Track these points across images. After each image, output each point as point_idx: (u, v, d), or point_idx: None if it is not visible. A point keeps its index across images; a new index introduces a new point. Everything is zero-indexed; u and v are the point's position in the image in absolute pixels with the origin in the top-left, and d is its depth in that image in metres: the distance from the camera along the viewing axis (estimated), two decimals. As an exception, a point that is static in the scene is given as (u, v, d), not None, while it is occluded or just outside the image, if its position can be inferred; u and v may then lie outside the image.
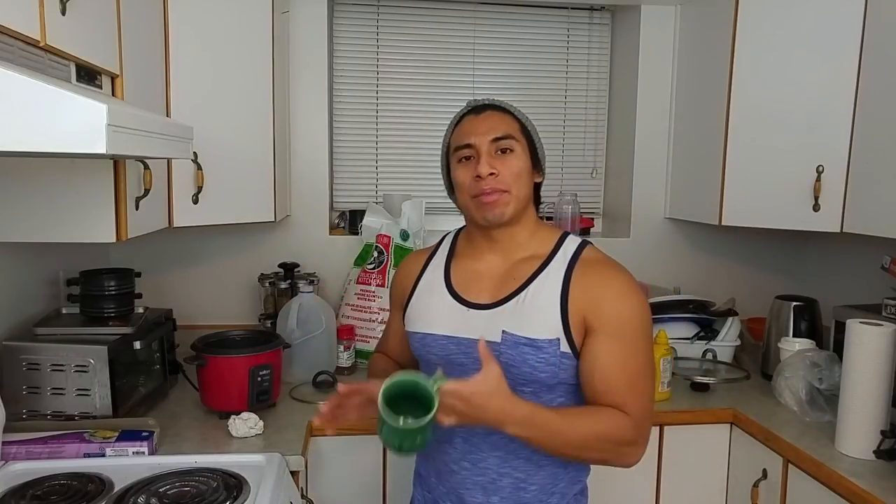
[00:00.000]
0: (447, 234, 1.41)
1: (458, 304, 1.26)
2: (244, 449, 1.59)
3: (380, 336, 2.14)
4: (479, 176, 1.21)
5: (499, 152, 1.22)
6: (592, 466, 1.34)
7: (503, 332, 1.20)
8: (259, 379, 1.75)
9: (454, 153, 1.26)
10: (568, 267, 1.23)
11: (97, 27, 1.31)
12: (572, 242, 1.27)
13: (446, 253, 1.36)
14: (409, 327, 1.33)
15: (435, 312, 1.29)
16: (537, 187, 1.31)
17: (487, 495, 1.24)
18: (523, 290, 1.22)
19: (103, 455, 1.47)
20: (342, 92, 2.51)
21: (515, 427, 1.09)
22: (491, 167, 1.21)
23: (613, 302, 1.18)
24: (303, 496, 1.60)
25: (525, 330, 1.19)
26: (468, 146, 1.23)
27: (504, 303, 1.22)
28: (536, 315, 1.19)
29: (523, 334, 1.19)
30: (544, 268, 1.24)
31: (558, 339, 1.18)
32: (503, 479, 1.23)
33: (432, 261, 1.36)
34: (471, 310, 1.25)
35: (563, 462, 1.26)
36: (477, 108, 1.27)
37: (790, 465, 1.69)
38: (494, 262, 1.27)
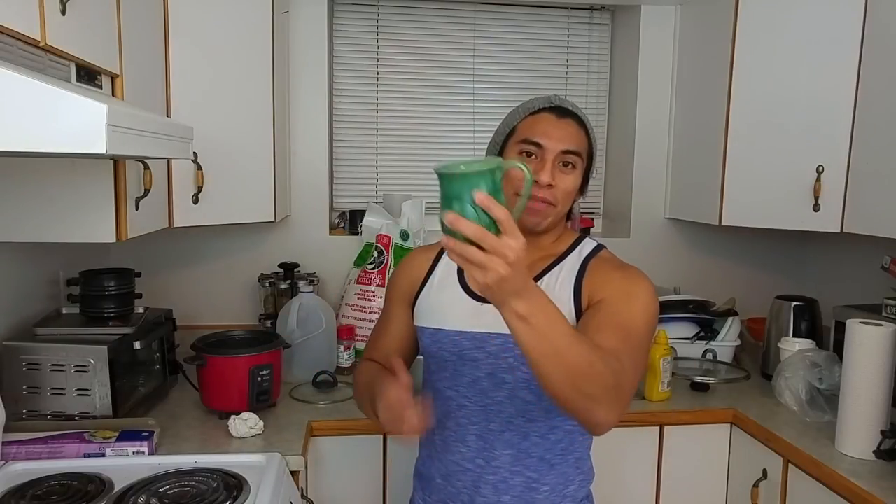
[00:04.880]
0: None
1: (470, 298, 1.24)
2: (244, 449, 1.59)
3: (371, 335, 2.03)
4: (536, 181, 1.18)
5: (562, 165, 1.21)
6: (595, 470, 1.34)
7: None
8: (259, 379, 1.75)
9: (518, 142, 1.23)
10: (583, 263, 1.24)
11: (97, 27, 1.31)
12: (589, 243, 1.29)
13: None
14: (419, 322, 1.32)
15: (447, 307, 1.27)
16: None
17: (499, 494, 1.24)
18: (536, 281, 1.20)
19: (103, 455, 1.47)
20: (342, 92, 2.51)
21: (529, 302, 0.90)
22: (553, 178, 1.19)
23: (622, 280, 1.20)
24: (303, 496, 1.60)
25: None
26: (537, 145, 1.21)
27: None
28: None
29: None
30: (558, 263, 1.25)
31: None
32: (515, 477, 1.23)
33: (444, 256, 1.34)
34: (484, 304, 1.22)
35: (574, 461, 1.27)
36: (560, 110, 1.24)
37: (790, 465, 1.69)
38: None
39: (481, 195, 0.83)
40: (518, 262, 0.85)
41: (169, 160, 1.76)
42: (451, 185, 0.85)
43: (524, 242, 0.85)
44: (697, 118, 2.33)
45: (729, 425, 1.93)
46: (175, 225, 1.81)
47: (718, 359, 2.23)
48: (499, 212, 0.83)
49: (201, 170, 1.81)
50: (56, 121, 0.91)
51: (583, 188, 1.28)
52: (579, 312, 1.20)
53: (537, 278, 1.23)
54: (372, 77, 2.52)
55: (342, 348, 2.17)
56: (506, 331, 1.11)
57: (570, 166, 1.21)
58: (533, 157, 1.21)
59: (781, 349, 2.03)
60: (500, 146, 1.28)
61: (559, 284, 1.23)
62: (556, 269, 1.25)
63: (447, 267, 1.32)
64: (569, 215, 1.32)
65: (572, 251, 1.28)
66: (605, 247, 1.30)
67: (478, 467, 1.24)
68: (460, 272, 1.28)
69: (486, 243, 0.83)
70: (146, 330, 1.79)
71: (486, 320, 1.20)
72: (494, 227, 0.84)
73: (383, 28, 2.50)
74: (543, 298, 0.93)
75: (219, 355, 1.76)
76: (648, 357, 1.31)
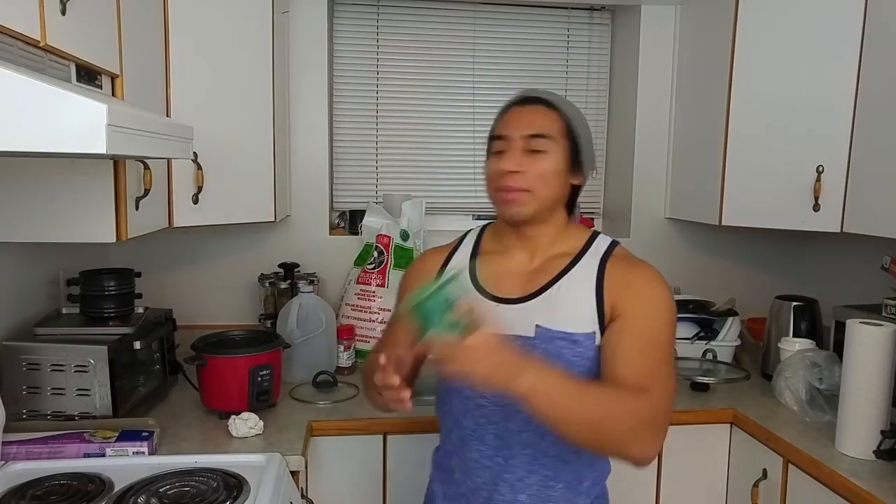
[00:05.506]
0: (469, 231, 1.38)
1: (486, 299, 1.22)
2: (244, 449, 1.59)
3: (378, 336, 2.15)
4: (503, 170, 1.19)
5: (531, 151, 1.19)
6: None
7: (537, 325, 1.18)
8: (259, 379, 1.75)
9: (491, 142, 1.24)
10: (601, 261, 1.22)
11: (97, 27, 1.31)
12: (604, 240, 1.27)
13: (470, 249, 1.33)
14: None
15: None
16: (575, 190, 1.27)
17: (515, 493, 1.23)
18: (555, 283, 1.21)
19: (103, 455, 1.47)
20: (342, 92, 2.51)
21: (530, 377, 0.99)
22: (517, 164, 1.18)
23: (642, 289, 1.17)
24: (303, 496, 1.60)
25: (559, 323, 1.17)
26: (502, 137, 1.21)
27: (536, 296, 1.20)
28: (570, 308, 1.18)
29: (558, 328, 1.17)
30: (576, 262, 1.22)
31: (594, 333, 1.17)
32: (531, 476, 1.22)
33: (455, 256, 1.34)
34: (500, 304, 1.22)
35: (588, 459, 1.25)
36: (525, 100, 1.24)
37: (790, 465, 1.69)
38: (523, 258, 1.26)
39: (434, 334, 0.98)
40: (491, 351, 0.98)
41: (169, 160, 1.76)
42: (417, 315, 0.99)
43: (488, 334, 0.97)
44: (697, 118, 2.33)
45: (729, 425, 1.93)
46: (175, 225, 1.81)
47: (718, 359, 2.23)
48: (461, 318, 0.97)
49: (201, 170, 1.81)
50: (56, 121, 0.91)
51: (577, 172, 1.23)
52: (601, 312, 1.18)
53: (555, 280, 1.21)
54: (372, 77, 2.52)
55: (342, 348, 2.17)
56: (523, 332, 1.16)
57: (539, 150, 1.18)
58: (504, 151, 1.20)
59: (781, 349, 2.03)
60: (488, 153, 1.28)
61: (578, 289, 1.20)
62: (574, 271, 1.22)
63: (461, 266, 1.31)
64: (571, 208, 1.29)
65: (587, 250, 1.25)
66: (618, 242, 1.28)
67: (496, 465, 1.24)
68: (472, 272, 1.28)
69: (456, 355, 0.97)
70: (146, 330, 1.79)
71: (502, 321, 1.19)
72: (463, 328, 0.97)
73: (383, 28, 2.50)
74: (540, 370, 1.02)
75: (219, 355, 1.76)
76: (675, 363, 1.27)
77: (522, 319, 1.19)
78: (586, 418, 1.05)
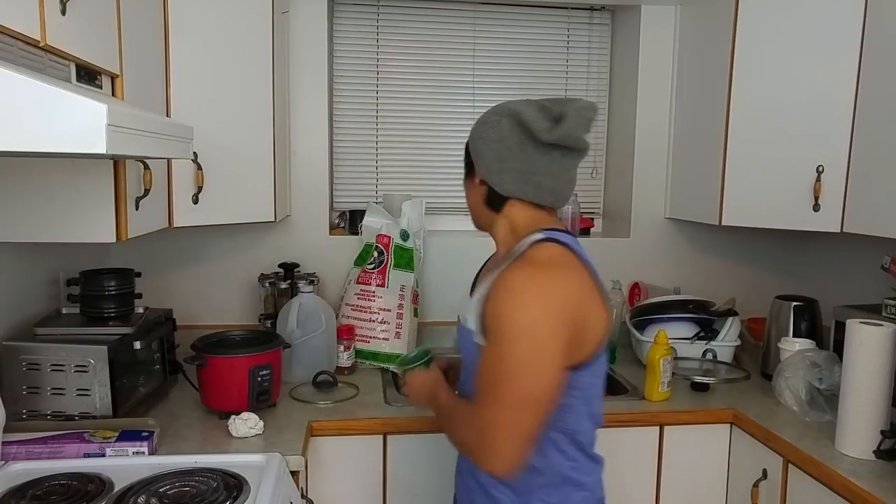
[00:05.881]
0: None
1: (468, 294, 1.37)
2: (244, 449, 1.59)
3: (378, 336, 2.28)
4: None
5: None
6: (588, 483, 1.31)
7: (465, 317, 1.30)
8: (259, 379, 1.75)
9: None
10: (507, 265, 1.20)
11: (97, 27, 1.31)
12: (526, 242, 1.23)
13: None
14: None
15: (463, 301, 1.39)
16: (488, 188, 1.27)
17: (464, 476, 1.35)
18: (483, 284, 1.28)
19: (103, 455, 1.47)
20: (342, 92, 2.51)
21: (432, 404, 1.34)
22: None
23: (491, 300, 1.17)
24: (303, 496, 1.60)
25: (469, 321, 1.28)
26: None
27: (475, 293, 1.30)
28: (473, 307, 1.26)
29: (467, 323, 1.28)
30: (502, 264, 1.24)
31: (474, 332, 1.23)
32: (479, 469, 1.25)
33: (489, 260, 1.46)
34: (470, 299, 1.34)
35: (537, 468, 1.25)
36: None
37: (790, 465, 1.69)
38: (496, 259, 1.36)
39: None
40: (417, 387, 1.39)
41: (169, 160, 1.76)
42: (400, 368, 1.48)
43: (412, 383, 1.41)
44: (697, 118, 2.33)
45: (729, 425, 1.93)
46: (175, 225, 1.81)
47: (718, 359, 2.23)
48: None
49: (201, 170, 1.81)
50: (56, 121, 0.92)
51: (477, 176, 1.29)
52: (483, 320, 1.19)
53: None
54: (372, 77, 2.52)
55: (342, 348, 2.17)
56: (463, 323, 1.31)
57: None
58: None
59: (781, 349, 2.03)
60: None
61: (484, 288, 1.22)
62: (495, 273, 1.22)
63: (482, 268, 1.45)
64: (498, 205, 1.31)
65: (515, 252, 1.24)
66: (552, 241, 1.21)
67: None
68: (480, 270, 1.42)
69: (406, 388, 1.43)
70: (146, 330, 1.79)
71: (463, 312, 1.33)
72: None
73: (383, 28, 2.50)
74: (435, 399, 1.34)
75: (219, 355, 1.76)
76: (542, 383, 1.13)
77: (466, 312, 1.31)
78: (448, 434, 1.26)
